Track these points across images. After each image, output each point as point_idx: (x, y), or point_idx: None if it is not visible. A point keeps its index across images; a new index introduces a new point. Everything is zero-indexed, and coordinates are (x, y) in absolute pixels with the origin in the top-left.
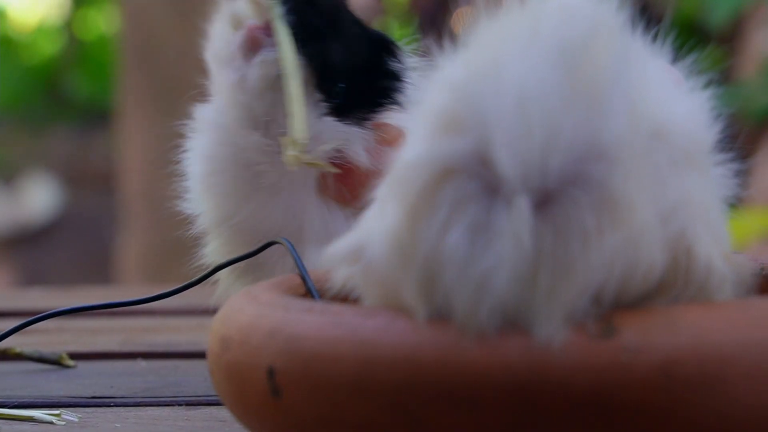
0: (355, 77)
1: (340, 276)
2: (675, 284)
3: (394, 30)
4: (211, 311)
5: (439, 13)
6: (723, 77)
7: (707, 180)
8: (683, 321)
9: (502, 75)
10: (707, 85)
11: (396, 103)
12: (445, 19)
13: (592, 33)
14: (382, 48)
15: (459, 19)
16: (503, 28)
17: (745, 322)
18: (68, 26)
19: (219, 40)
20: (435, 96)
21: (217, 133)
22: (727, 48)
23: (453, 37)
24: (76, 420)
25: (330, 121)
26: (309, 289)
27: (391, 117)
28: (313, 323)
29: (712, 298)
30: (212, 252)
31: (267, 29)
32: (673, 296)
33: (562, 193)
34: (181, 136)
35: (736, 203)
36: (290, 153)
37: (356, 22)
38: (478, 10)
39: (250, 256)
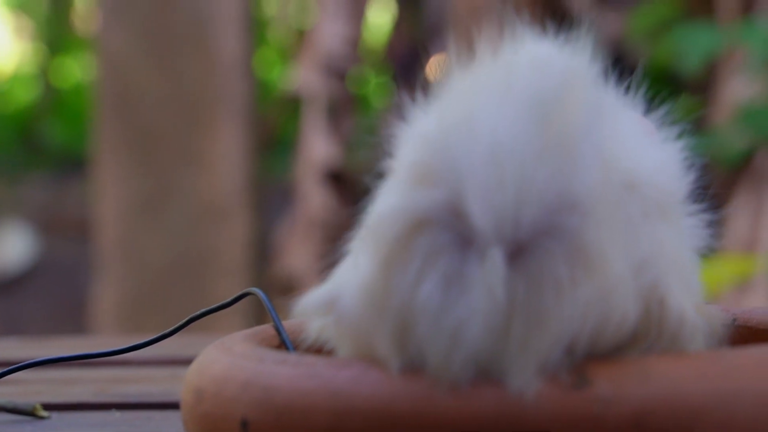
0: None
1: (314, 327)
2: (648, 335)
3: (369, 78)
4: (186, 362)
5: (414, 61)
6: (697, 126)
7: (679, 231)
8: (656, 372)
9: (475, 127)
10: (680, 135)
11: None
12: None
13: (565, 85)
14: None
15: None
16: (476, 81)
17: (717, 373)
18: (44, 74)
19: None
20: (408, 148)
21: None
22: (702, 96)
23: (428, 86)
24: None
25: None
26: (283, 341)
27: None
28: (287, 375)
29: (685, 348)
30: None
31: None
32: (645, 347)
33: (535, 245)
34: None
35: (709, 252)
36: None
37: None
38: (452, 62)
39: (225, 307)
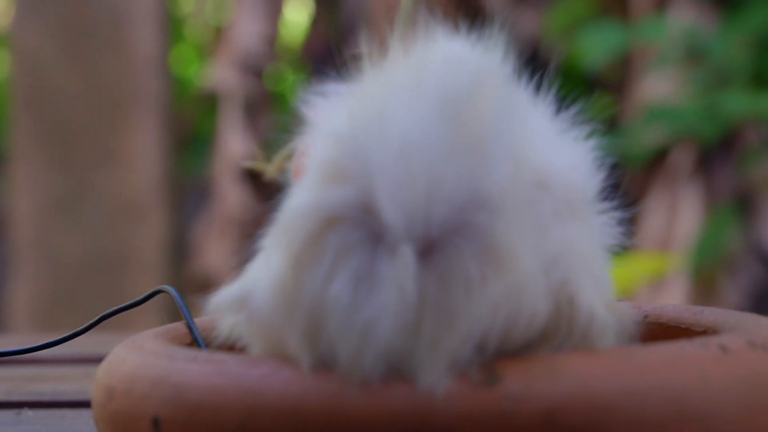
0: None
1: (226, 325)
2: (558, 332)
3: (286, 76)
4: (98, 360)
5: (330, 59)
6: (611, 124)
7: (590, 229)
8: (566, 369)
9: (386, 125)
10: (592, 133)
11: None
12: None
13: (476, 83)
14: None
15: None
16: (387, 79)
17: (627, 370)
18: None
19: None
20: (320, 146)
21: None
22: (617, 94)
23: (341, 84)
24: None
25: None
26: (195, 338)
27: None
28: (198, 372)
29: (595, 346)
30: None
31: None
32: (556, 344)
33: (445, 242)
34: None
35: (624, 250)
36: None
37: None
38: (363, 59)
39: (137, 305)
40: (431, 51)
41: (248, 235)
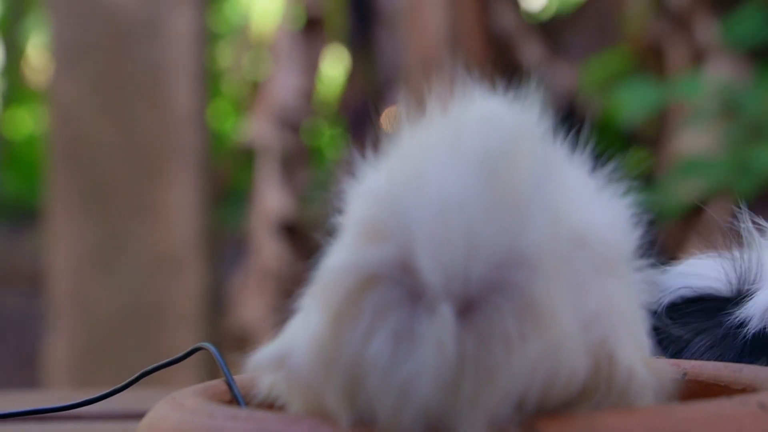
0: None
1: (265, 382)
2: (597, 390)
3: (323, 130)
4: (138, 416)
5: (368, 114)
6: (647, 179)
7: (628, 286)
8: (605, 427)
9: (425, 184)
10: (628, 189)
11: None
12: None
13: (513, 142)
14: None
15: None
16: (425, 137)
17: (666, 427)
18: None
19: None
20: (359, 204)
21: None
22: (653, 149)
23: (379, 141)
24: None
25: None
26: (235, 396)
27: None
28: (238, 430)
29: (634, 404)
30: None
31: None
32: (595, 402)
33: (484, 300)
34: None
35: None
36: None
37: None
38: (402, 117)
39: (177, 362)
40: (468, 109)
41: (285, 290)
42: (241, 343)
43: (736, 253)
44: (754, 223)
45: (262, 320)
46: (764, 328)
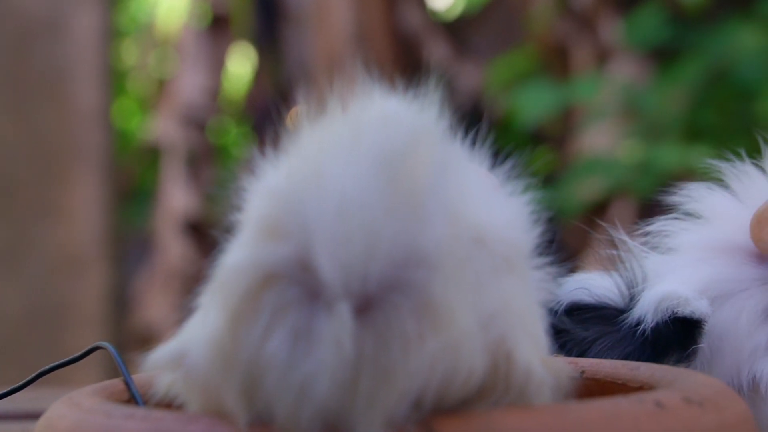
0: None
1: (163, 382)
2: (495, 389)
3: (229, 129)
4: (36, 416)
5: (273, 112)
6: (550, 178)
7: (527, 284)
8: (502, 425)
9: (324, 183)
10: (528, 188)
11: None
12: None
13: (412, 141)
14: None
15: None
16: (326, 136)
17: (563, 426)
18: None
19: None
20: (258, 203)
21: None
22: (557, 148)
23: (282, 139)
24: None
25: None
26: (133, 395)
27: None
28: (135, 430)
29: (531, 402)
30: None
31: None
32: (492, 401)
33: (383, 299)
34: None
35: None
36: None
37: None
38: (303, 115)
39: (75, 361)
40: (369, 108)
41: (190, 290)
42: (147, 342)
43: (622, 264)
44: (630, 233)
45: (168, 320)
46: (659, 323)
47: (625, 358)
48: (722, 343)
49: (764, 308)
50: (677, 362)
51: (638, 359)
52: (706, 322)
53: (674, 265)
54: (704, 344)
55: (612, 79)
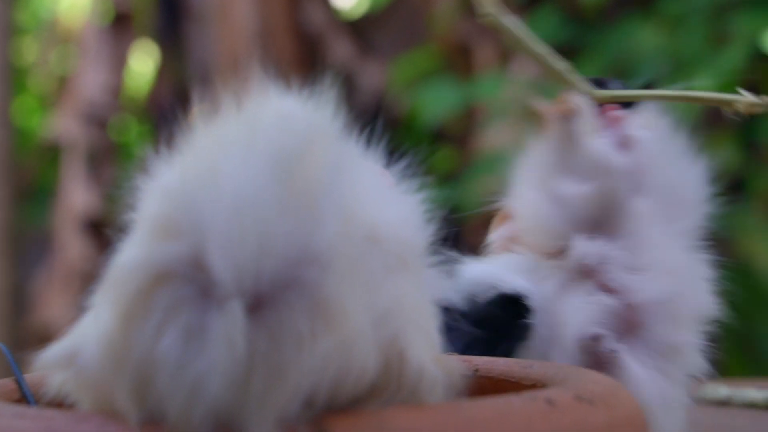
0: None
1: (55, 380)
2: (387, 387)
3: (131, 127)
4: None
5: (176, 110)
6: (451, 176)
7: (420, 283)
8: (394, 424)
9: (218, 181)
10: (424, 186)
11: None
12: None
13: (307, 140)
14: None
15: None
16: (220, 134)
17: (455, 424)
18: None
19: None
20: (151, 201)
21: None
22: (459, 146)
23: (181, 136)
24: None
25: None
26: (24, 395)
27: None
28: (25, 429)
29: (424, 400)
30: None
31: None
32: (385, 399)
33: (275, 298)
34: None
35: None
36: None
37: None
38: (201, 115)
39: None
40: (264, 107)
41: (90, 288)
42: (45, 341)
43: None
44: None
45: (66, 318)
46: (484, 303)
47: (465, 348)
48: (552, 318)
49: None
50: (512, 342)
51: (476, 346)
52: (528, 297)
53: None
54: (535, 321)
55: (514, 78)
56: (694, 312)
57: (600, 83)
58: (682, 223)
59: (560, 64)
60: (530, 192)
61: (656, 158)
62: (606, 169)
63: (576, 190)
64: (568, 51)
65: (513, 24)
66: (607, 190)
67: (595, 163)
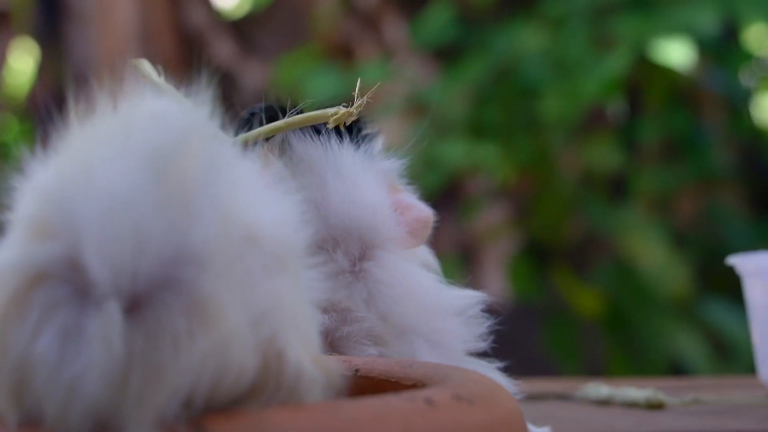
0: None
1: None
2: (266, 387)
3: (10, 126)
4: None
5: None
6: None
7: (298, 283)
8: (273, 424)
9: (93, 181)
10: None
11: None
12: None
13: (182, 139)
14: None
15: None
16: (95, 134)
17: (333, 424)
18: None
19: None
20: (26, 202)
21: None
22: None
23: (57, 136)
24: None
25: None
26: None
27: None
28: None
29: (303, 400)
30: None
31: None
32: (264, 399)
33: (152, 297)
34: None
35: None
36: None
37: None
38: (74, 115)
39: None
40: (139, 107)
41: None
42: None
43: None
44: None
45: None
46: None
47: None
48: None
49: None
50: None
51: None
52: None
53: None
54: None
55: (398, 68)
56: None
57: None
58: None
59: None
60: None
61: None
62: None
63: None
64: (455, 51)
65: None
66: None
67: None
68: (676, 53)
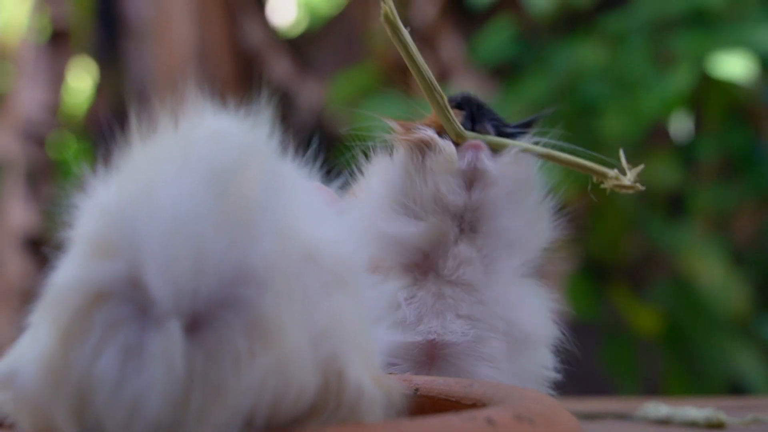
0: None
1: None
2: (326, 406)
3: (69, 144)
4: None
5: (115, 128)
6: None
7: (358, 302)
8: None
9: (154, 199)
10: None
11: None
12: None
13: (242, 158)
14: None
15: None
16: (156, 153)
17: None
18: None
19: None
20: (87, 220)
21: None
22: None
23: (119, 154)
24: None
25: None
26: None
27: None
28: None
29: (363, 419)
30: None
31: None
32: (324, 418)
33: (213, 316)
34: None
35: None
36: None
37: None
38: (135, 133)
39: None
40: (199, 125)
41: (29, 306)
42: None
43: None
44: None
45: (6, 337)
46: None
47: None
48: None
49: None
50: None
51: None
52: None
53: None
54: None
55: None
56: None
57: (470, 102)
58: (519, 259)
59: (438, 91)
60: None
61: (500, 197)
62: (442, 210)
63: (404, 229)
64: (514, 68)
65: (407, 35)
66: (437, 232)
67: (432, 203)
68: (737, 67)
